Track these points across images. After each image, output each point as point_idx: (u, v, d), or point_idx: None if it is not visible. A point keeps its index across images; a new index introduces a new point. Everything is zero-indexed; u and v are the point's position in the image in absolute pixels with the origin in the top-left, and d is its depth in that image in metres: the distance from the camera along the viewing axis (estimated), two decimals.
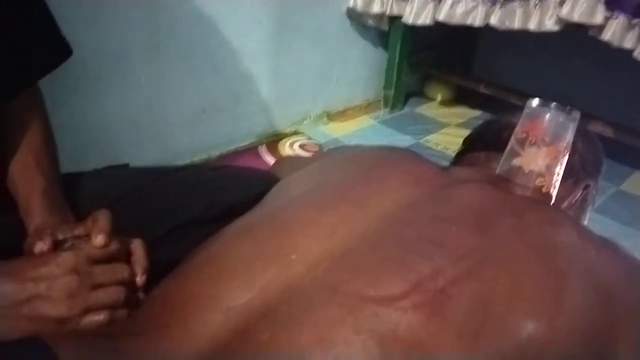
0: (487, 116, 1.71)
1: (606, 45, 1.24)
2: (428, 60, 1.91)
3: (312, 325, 0.42)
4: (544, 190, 0.62)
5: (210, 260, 0.52)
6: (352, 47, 1.72)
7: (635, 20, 1.19)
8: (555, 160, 0.62)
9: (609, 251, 0.55)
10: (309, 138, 1.64)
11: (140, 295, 0.50)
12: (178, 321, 0.46)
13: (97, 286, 0.47)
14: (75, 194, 0.69)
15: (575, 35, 1.32)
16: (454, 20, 1.43)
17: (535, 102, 0.64)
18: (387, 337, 0.41)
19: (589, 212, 0.75)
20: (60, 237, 0.51)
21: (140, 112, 1.27)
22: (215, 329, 0.44)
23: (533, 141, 0.62)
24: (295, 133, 1.66)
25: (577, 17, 1.23)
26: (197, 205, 0.72)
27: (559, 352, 0.46)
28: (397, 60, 1.73)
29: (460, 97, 1.95)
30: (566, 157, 0.63)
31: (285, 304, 0.44)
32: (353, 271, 0.47)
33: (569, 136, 0.63)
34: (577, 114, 0.63)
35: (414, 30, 1.66)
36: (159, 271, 0.54)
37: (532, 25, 1.33)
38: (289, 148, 1.58)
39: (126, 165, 0.89)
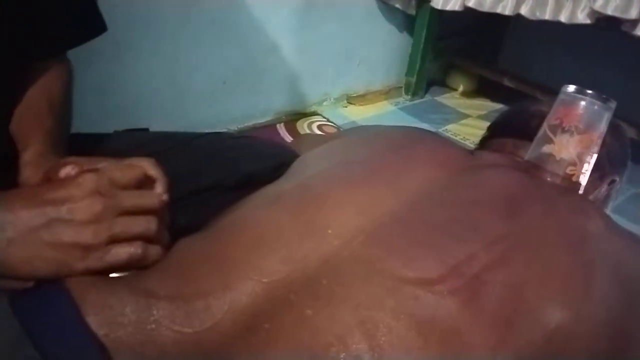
0: (500, 113, 1.67)
1: (636, 43, 1.21)
2: (452, 48, 1.88)
3: (353, 304, 0.41)
4: (573, 179, 0.60)
5: (243, 227, 0.50)
6: (378, 30, 1.69)
7: None
8: (588, 149, 0.60)
9: (637, 246, 0.54)
10: (328, 120, 1.63)
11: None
12: (217, 287, 0.43)
13: (124, 212, 0.43)
14: (93, 153, 0.68)
15: (605, 31, 1.28)
16: (484, 8, 1.40)
17: (571, 88, 0.62)
18: (425, 323, 0.40)
19: (609, 209, 0.73)
20: (87, 167, 0.46)
21: (164, 80, 1.26)
22: (257, 300, 0.42)
23: (566, 128, 0.61)
24: (314, 114, 1.65)
25: (611, 10, 1.20)
26: (216, 172, 0.71)
27: (583, 344, 0.45)
28: (421, 46, 1.71)
29: (483, 89, 1.92)
30: (598, 147, 0.61)
31: (324, 279, 0.43)
32: (389, 249, 0.45)
33: (603, 125, 0.61)
34: (613, 104, 0.61)
35: (441, 17, 1.63)
36: (176, 234, 0.51)
37: (563, 17, 1.30)
38: (307, 128, 1.56)
39: (146, 130, 0.89)
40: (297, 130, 1.54)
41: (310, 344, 0.39)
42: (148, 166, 0.48)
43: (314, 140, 0.94)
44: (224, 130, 1.43)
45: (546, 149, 0.62)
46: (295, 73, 1.54)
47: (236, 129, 1.46)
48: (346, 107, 1.73)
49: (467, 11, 1.47)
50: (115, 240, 0.43)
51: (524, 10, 1.35)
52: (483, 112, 1.81)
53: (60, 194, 0.42)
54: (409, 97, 1.83)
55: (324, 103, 1.68)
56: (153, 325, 0.40)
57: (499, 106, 1.86)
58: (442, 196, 0.53)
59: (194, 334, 0.41)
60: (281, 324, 0.40)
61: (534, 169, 0.61)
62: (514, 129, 0.71)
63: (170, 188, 0.48)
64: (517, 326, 0.43)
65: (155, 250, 0.45)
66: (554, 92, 0.66)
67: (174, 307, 0.41)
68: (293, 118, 1.59)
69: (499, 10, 1.39)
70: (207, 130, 1.38)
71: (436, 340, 0.40)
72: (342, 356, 0.38)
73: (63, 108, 0.65)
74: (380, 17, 1.68)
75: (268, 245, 0.47)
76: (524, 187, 0.56)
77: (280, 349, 0.39)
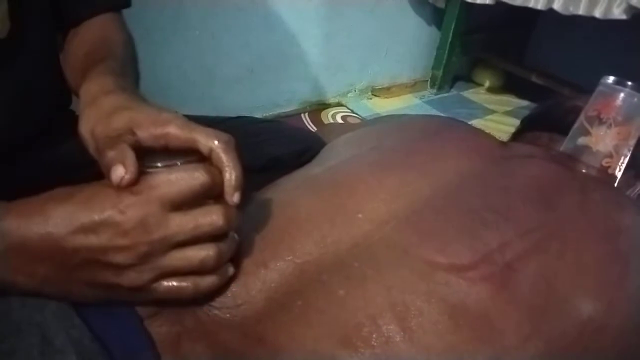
0: (535, 106, 1.65)
1: None
2: (480, 43, 1.85)
3: (385, 287, 0.41)
4: (609, 171, 0.59)
5: (275, 209, 0.50)
6: (406, 22, 1.68)
7: None
8: (625, 141, 0.59)
9: None
10: (352, 111, 1.62)
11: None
12: (251, 266, 0.43)
13: (176, 245, 0.37)
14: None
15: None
16: (516, 2, 1.38)
17: (610, 79, 0.61)
18: (457, 308, 0.40)
19: None
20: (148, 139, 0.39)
21: (193, 66, 1.27)
22: (290, 279, 0.43)
23: (604, 120, 0.59)
24: (339, 104, 1.64)
25: None
26: (244, 154, 0.71)
27: (613, 337, 0.45)
28: (449, 40, 1.69)
29: (509, 85, 1.90)
30: (635, 139, 0.60)
31: (356, 261, 0.43)
32: (421, 235, 0.45)
33: None
34: None
35: (470, 10, 1.61)
36: None
37: (597, 13, 1.27)
38: (331, 119, 1.56)
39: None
40: (321, 121, 1.54)
41: (341, 322, 0.39)
42: (220, 156, 0.39)
43: (339, 129, 0.94)
44: None
45: (582, 140, 0.60)
46: (321, 63, 1.54)
47: (261, 117, 1.46)
48: (371, 99, 1.73)
49: (498, 5, 1.45)
50: (165, 276, 0.38)
51: (556, 5, 1.33)
52: (509, 109, 1.79)
53: (101, 224, 0.35)
54: (435, 90, 1.81)
55: (349, 94, 1.68)
56: (189, 301, 0.40)
57: (525, 103, 1.83)
58: (476, 184, 0.53)
59: (228, 310, 0.41)
60: (314, 302, 0.40)
61: (569, 160, 0.60)
62: (550, 122, 0.70)
63: (242, 183, 0.40)
64: (550, 316, 0.42)
65: (208, 282, 0.39)
66: (582, 90, 0.65)
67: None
68: (317, 108, 1.59)
69: (531, 4, 1.36)
70: None
71: (467, 325, 0.40)
72: (373, 336, 0.38)
73: (125, 53, 0.62)
74: (409, 10, 1.67)
75: (300, 227, 0.47)
76: (558, 178, 0.55)
77: (312, 326, 0.39)
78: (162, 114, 0.41)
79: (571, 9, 1.31)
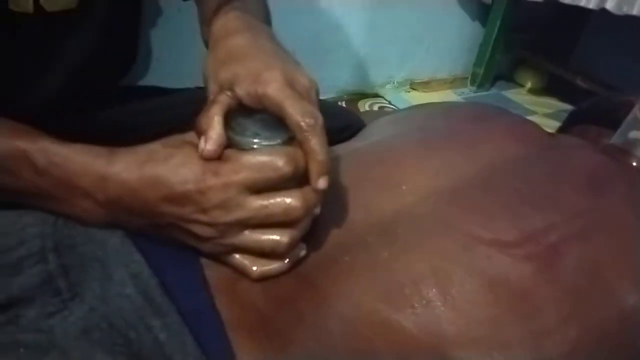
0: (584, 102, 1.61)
1: None
2: (524, 42, 1.81)
3: (427, 254, 0.42)
4: None
5: None
6: (450, 17, 1.66)
7: None
8: None
9: None
10: (390, 103, 1.61)
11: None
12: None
13: (252, 227, 0.38)
14: (162, 103, 0.70)
15: None
16: (566, 0, 1.35)
17: None
18: (497, 282, 0.40)
19: None
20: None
21: None
22: (339, 236, 0.44)
23: None
24: (376, 95, 1.63)
25: None
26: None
27: None
28: (494, 37, 1.66)
29: (552, 87, 1.85)
30: None
31: (400, 228, 0.44)
32: (465, 209, 0.46)
33: None
34: None
35: (517, 8, 1.57)
36: None
37: None
38: (368, 108, 1.56)
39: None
40: (358, 110, 1.53)
41: (385, 281, 0.40)
42: (307, 139, 0.38)
43: (377, 115, 0.94)
44: None
45: (633, 134, 0.59)
46: (361, 52, 1.53)
47: None
48: (409, 92, 1.71)
49: (547, 3, 1.42)
50: (238, 251, 0.40)
51: (609, 5, 1.29)
52: (550, 111, 1.75)
53: (183, 197, 0.37)
54: (474, 88, 1.78)
55: (387, 86, 1.67)
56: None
57: (567, 106, 1.78)
58: (521, 168, 0.53)
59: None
60: (360, 259, 0.42)
61: (619, 153, 0.59)
62: (600, 115, 0.69)
63: (329, 168, 0.39)
64: (592, 301, 0.42)
65: (276, 269, 0.40)
66: (629, 96, 0.64)
67: None
68: (355, 97, 1.58)
69: (582, 3, 1.33)
70: None
71: (507, 299, 0.40)
72: (415, 299, 0.39)
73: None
74: (454, 4, 1.64)
75: (346, 192, 0.48)
76: (607, 168, 0.55)
77: (358, 280, 0.40)
78: (267, 72, 0.40)
79: (625, 9, 1.27)
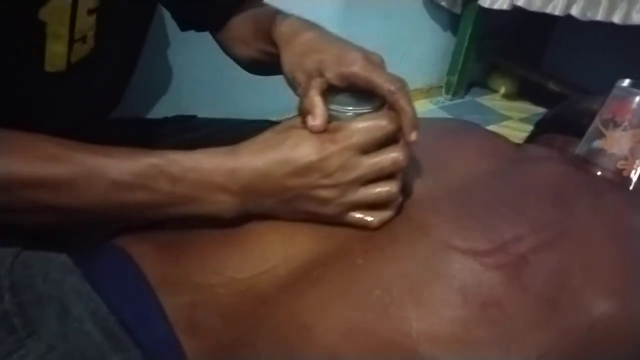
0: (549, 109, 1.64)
1: None
2: (496, 49, 1.85)
3: (400, 258, 0.44)
4: (624, 173, 0.59)
5: None
6: (421, 27, 1.69)
7: None
8: None
9: None
10: None
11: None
12: (273, 234, 0.47)
13: (366, 182, 0.45)
14: (143, 137, 0.71)
15: None
16: (534, 7, 1.38)
17: (625, 82, 0.61)
18: (468, 288, 0.42)
19: None
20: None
21: (214, 69, 1.29)
22: (312, 251, 0.46)
23: (619, 122, 0.59)
24: None
25: None
26: None
27: (625, 337, 0.45)
28: (465, 46, 1.69)
29: (525, 92, 1.89)
30: None
31: (376, 235, 0.46)
32: (440, 218, 0.48)
33: None
34: None
35: (486, 16, 1.61)
36: None
37: (616, 18, 1.26)
38: None
39: (194, 116, 0.91)
40: None
41: (356, 286, 0.41)
42: (397, 100, 0.45)
43: None
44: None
45: (597, 143, 0.61)
46: None
47: (278, 119, 1.48)
48: None
49: (515, 10, 1.45)
50: (355, 208, 0.46)
51: (574, 11, 1.32)
52: (525, 115, 1.78)
53: (310, 168, 0.43)
54: (450, 96, 1.81)
55: None
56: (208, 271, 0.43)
57: (541, 109, 1.82)
58: (492, 182, 0.54)
59: (246, 280, 0.44)
60: (332, 269, 0.43)
61: (584, 163, 0.60)
62: (564, 125, 0.71)
63: (418, 123, 0.46)
64: (561, 308, 0.43)
65: (388, 215, 0.47)
66: (594, 99, 0.65)
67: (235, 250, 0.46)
68: None
69: (548, 10, 1.36)
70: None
71: (477, 303, 0.41)
72: (385, 301, 0.40)
73: None
74: (425, 15, 1.67)
75: None
76: (573, 179, 0.56)
77: (328, 289, 0.42)
78: (347, 55, 0.48)
79: (589, 14, 1.30)
